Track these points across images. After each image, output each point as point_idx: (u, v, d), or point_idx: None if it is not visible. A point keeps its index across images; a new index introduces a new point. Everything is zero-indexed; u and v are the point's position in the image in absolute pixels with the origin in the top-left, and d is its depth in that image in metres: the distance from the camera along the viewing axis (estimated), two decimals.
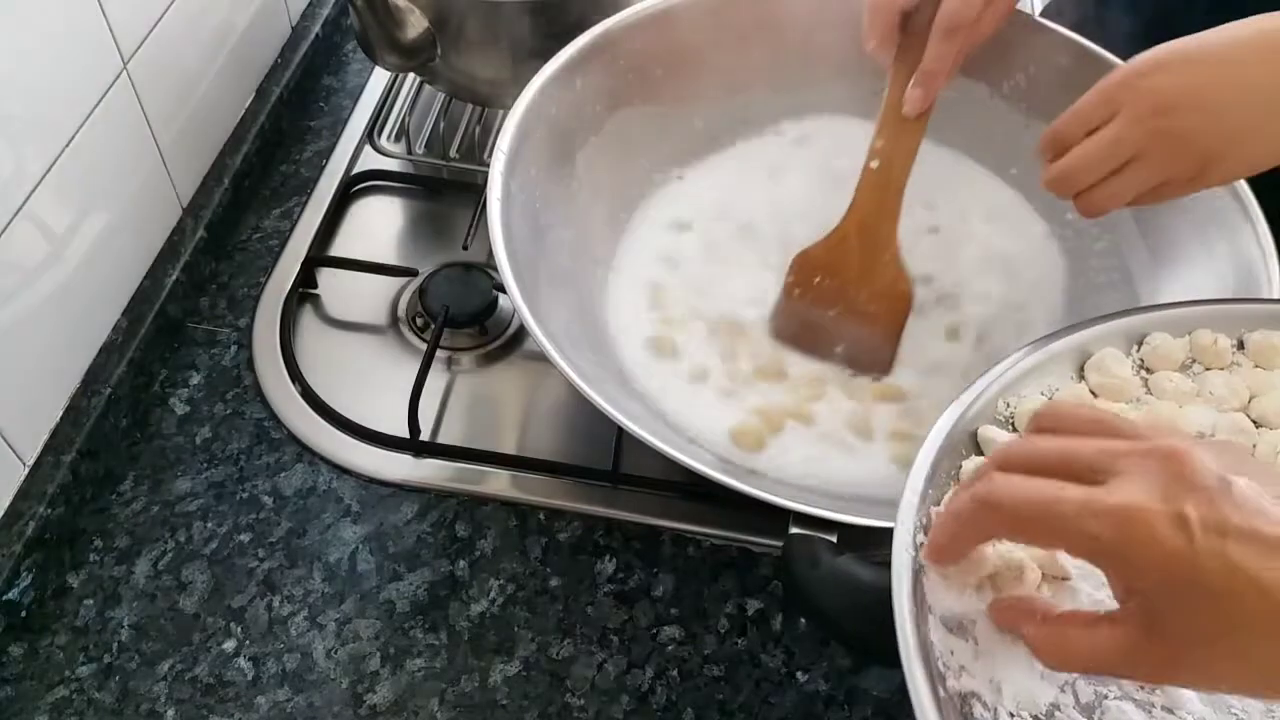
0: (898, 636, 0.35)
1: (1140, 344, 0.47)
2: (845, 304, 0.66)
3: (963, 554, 0.36)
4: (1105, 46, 0.68)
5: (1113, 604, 0.33)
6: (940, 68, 0.61)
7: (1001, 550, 0.37)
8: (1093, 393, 0.45)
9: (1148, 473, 0.31)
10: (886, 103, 0.64)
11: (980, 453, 0.42)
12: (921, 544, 0.37)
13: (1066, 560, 0.38)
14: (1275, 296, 0.57)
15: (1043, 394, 0.45)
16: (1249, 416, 0.45)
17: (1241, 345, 0.47)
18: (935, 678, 0.34)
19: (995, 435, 0.42)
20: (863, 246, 0.65)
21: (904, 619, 0.35)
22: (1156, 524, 0.29)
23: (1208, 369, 0.47)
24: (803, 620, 0.60)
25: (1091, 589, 0.37)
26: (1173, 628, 0.30)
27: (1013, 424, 0.43)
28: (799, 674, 0.59)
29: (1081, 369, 0.46)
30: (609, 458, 0.65)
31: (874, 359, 0.67)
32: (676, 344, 0.66)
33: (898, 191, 0.64)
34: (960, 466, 0.41)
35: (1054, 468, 0.33)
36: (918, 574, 0.36)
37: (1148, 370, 0.47)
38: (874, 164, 0.64)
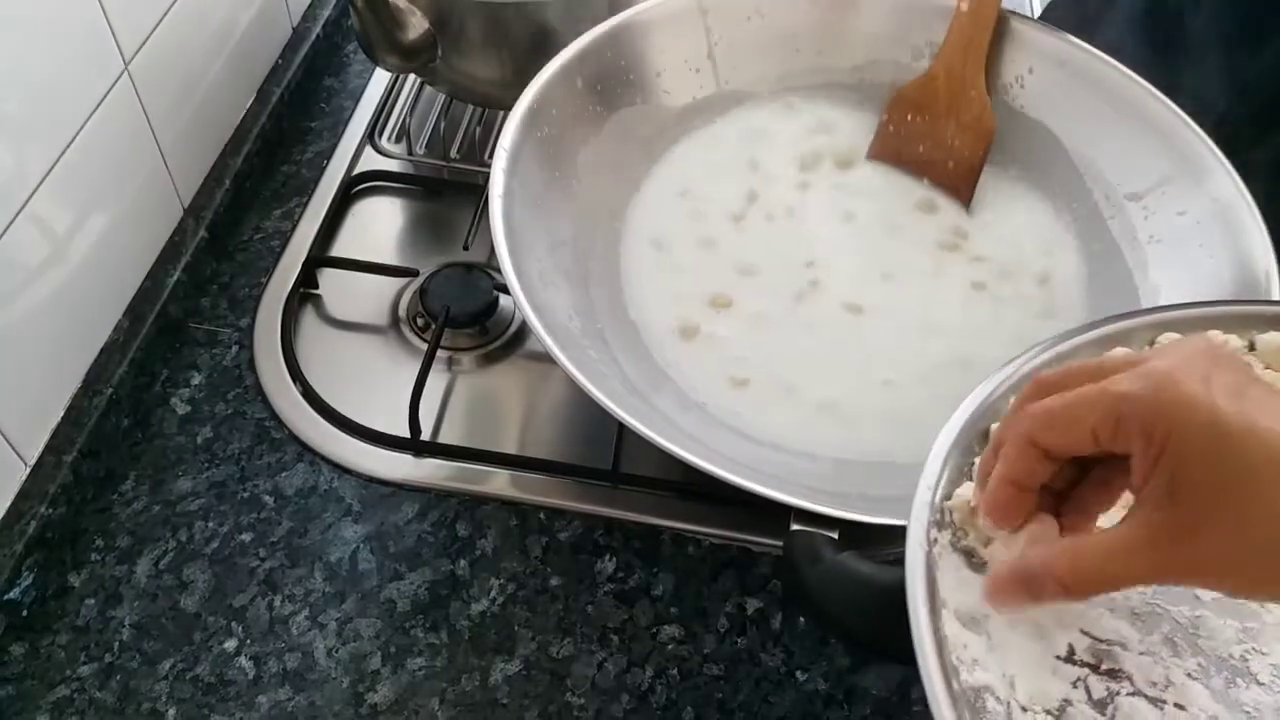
0: (912, 631, 0.35)
1: (1151, 345, 0.47)
2: (934, 139, 0.72)
3: (1020, 499, 0.36)
4: (1103, 48, 0.68)
5: None
6: None
7: None
8: None
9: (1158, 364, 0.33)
10: None
11: None
12: (935, 540, 0.37)
13: None
14: (1277, 298, 0.57)
15: None
16: None
17: (1252, 347, 0.47)
18: (949, 672, 0.34)
19: None
20: (949, 84, 0.72)
21: (919, 613, 0.35)
22: (1182, 378, 0.32)
23: None
24: (802, 619, 0.60)
25: None
26: (1194, 480, 0.31)
27: None
28: (799, 673, 0.59)
29: None
30: (609, 457, 0.65)
31: (956, 191, 0.73)
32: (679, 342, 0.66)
33: (985, 29, 0.70)
34: (973, 464, 0.41)
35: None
36: (932, 568, 0.36)
37: None
38: (964, 5, 0.70)
